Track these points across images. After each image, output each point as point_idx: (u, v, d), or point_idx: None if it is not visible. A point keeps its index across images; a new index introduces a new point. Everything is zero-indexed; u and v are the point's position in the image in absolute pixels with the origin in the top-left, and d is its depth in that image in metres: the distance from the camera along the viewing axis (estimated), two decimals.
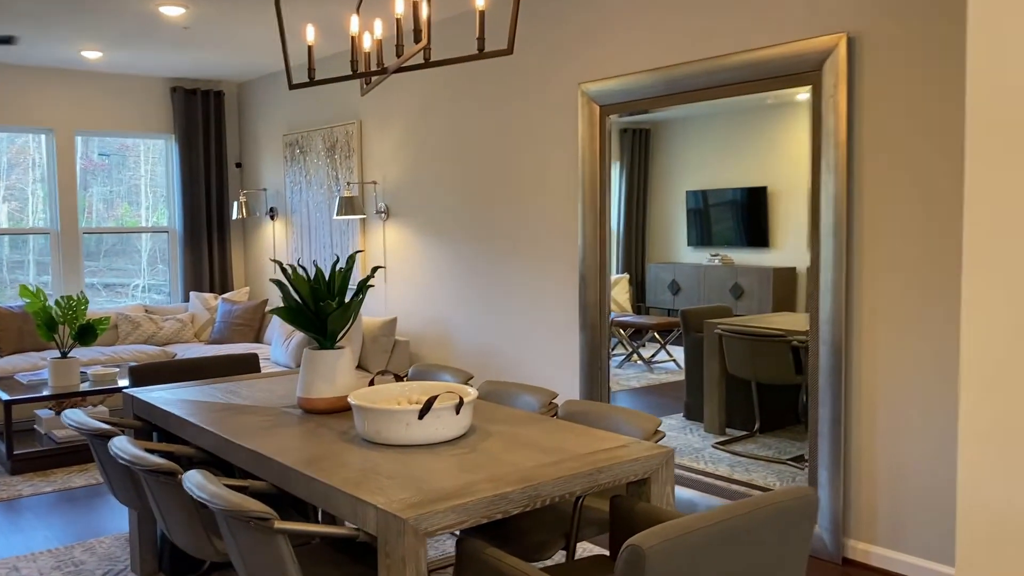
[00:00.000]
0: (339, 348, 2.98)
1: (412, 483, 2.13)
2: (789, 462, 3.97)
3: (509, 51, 2.44)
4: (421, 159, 5.79)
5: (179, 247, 7.73)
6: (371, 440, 2.54)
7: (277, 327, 6.10)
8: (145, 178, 7.80)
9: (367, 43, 2.90)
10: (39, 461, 5.01)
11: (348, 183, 6.24)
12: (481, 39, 2.45)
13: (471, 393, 2.64)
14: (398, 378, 3.07)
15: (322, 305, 2.89)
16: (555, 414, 3.05)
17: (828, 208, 3.51)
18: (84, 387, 5.30)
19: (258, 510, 1.95)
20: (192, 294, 7.48)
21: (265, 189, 7.67)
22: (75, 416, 2.89)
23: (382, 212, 6.15)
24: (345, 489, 2.09)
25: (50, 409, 5.53)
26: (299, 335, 5.76)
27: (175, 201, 7.73)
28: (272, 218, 7.55)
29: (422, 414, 2.46)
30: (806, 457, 3.78)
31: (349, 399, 2.62)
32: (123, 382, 5.47)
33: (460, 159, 5.47)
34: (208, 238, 7.79)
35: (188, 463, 2.92)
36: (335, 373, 2.96)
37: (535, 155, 4.94)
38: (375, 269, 3.06)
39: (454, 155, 5.51)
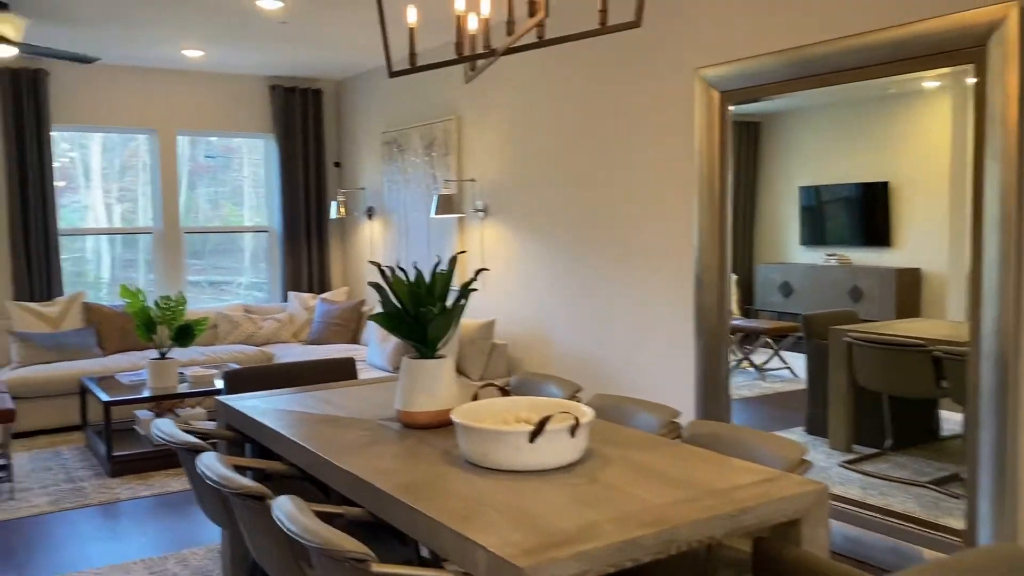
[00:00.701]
0: (440, 357, 2.73)
1: (525, 520, 1.85)
2: (929, 485, 3.54)
3: (637, 23, 2.13)
4: (521, 154, 5.53)
5: (279, 247, 7.70)
6: (476, 463, 2.27)
7: (374, 328, 5.94)
8: (248, 179, 7.80)
9: (472, 24, 2.64)
10: (138, 463, 4.97)
11: (446, 181, 6.03)
12: (604, 11, 2.15)
13: (587, 413, 2.34)
14: (503, 392, 2.80)
15: (423, 311, 2.64)
16: (678, 436, 2.72)
17: (993, 201, 3.06)
18: (182, 388, 5.25)
19: (355, 550, 1.70)
20: (291, 294, 7.42)
21: (363, 188, 7.55)
22: (165, 428, 2.73)
23: (480, 210, 5.91)
24: (451, 525, 1.82)
25: (149, 410, 5.51)
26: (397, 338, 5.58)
27: (275, 201, 7.69)
28: (370, 217, 7.42)
29: (533, 436, 2.18)
30: (952, 478, 3.34)
31: (452, 416, 2.36)
32: (219, 381, 5.40)
33: (563, 153, 5.17)
34: (307, 238, 7.73)
35: (281, 481, 2.72)
36: (436, 384, 2.71)
37: (646, 147, 4.60)
38: (478, 272, 2.79)
39: (556, 149, 5.22)
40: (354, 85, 7.63)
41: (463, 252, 2.56)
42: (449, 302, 2.72)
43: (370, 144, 7.42)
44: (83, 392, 5.73)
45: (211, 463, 2.33)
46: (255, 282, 7.85)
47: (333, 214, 7.46)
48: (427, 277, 2.73)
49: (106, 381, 5.51)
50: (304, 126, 7.67)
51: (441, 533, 1.85)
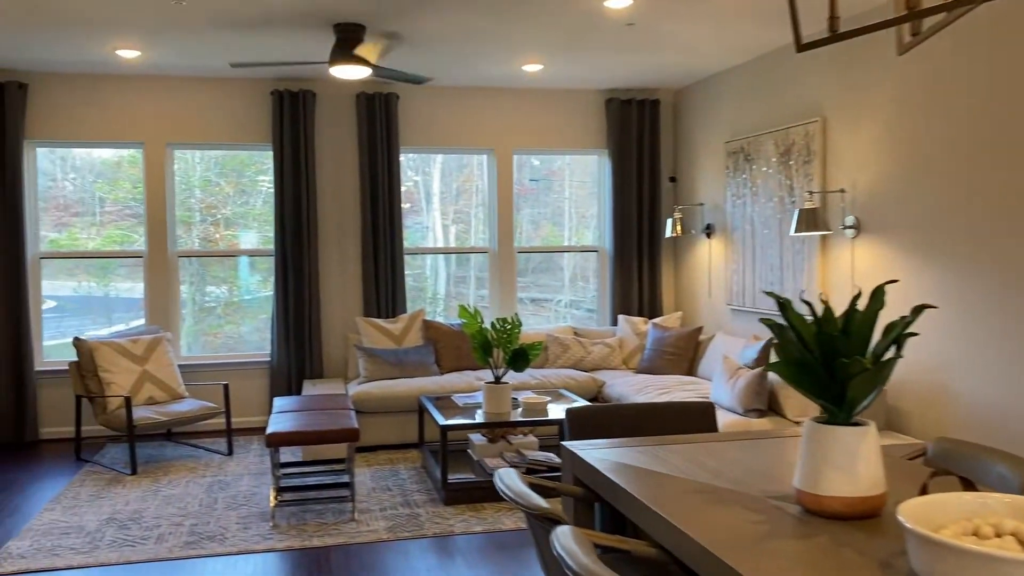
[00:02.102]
0: (860, 424, 2.03)
1: None
2: None
3: None
4: (907, 157, 4.57)
5: (608, 267, 7.32)
6: None
7: (719, 360, 5.28)
8: (569, 200, 7.56)
9: None
10: (471, 492, 4.76)
11: (808, 193, 5.21)
12: None
13: None
14: (967, 484, 2.02)
15: (844, 362, 1.95)
16: None
17: None
18: (516, 415, 4.98)
19: None
20: (620, 317, 7.00)
21: (702, 204, 6.93)
22: (510, 483, 2.31)
23: (850, 227, 5.02)
24: None
25: (483, 435, 5.32)
26: (750, 373, 4.86)
27: (605, 219, 7.34)
28: (708, 236, 6.78)
29: None
30: None
31: (899, 518, 1.65)
32: (552, 409, 5.06)
33: (969, 154, 4.15)
34: (638, 258, 7.27)
35: (648, 568, 2.18)
36: (856, 461, 2.01)
37: None
38: (919, 309, 2.04)
39: (959, 149, 4.21)
40: (694, 92, 7.05)
41: (893, 281, 1.90)
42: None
43: (711, 156, 6.79)
44: (421, 410, 5.72)
45: (570, 547, 1.84)
46: (574, 299, 7.57)
47: (668, 232, 6.92)
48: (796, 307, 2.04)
49: (442, 401, 5.43)
50: (639, 140, 7.24)
51: None
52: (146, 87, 6.55)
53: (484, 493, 4.76)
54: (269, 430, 4.48)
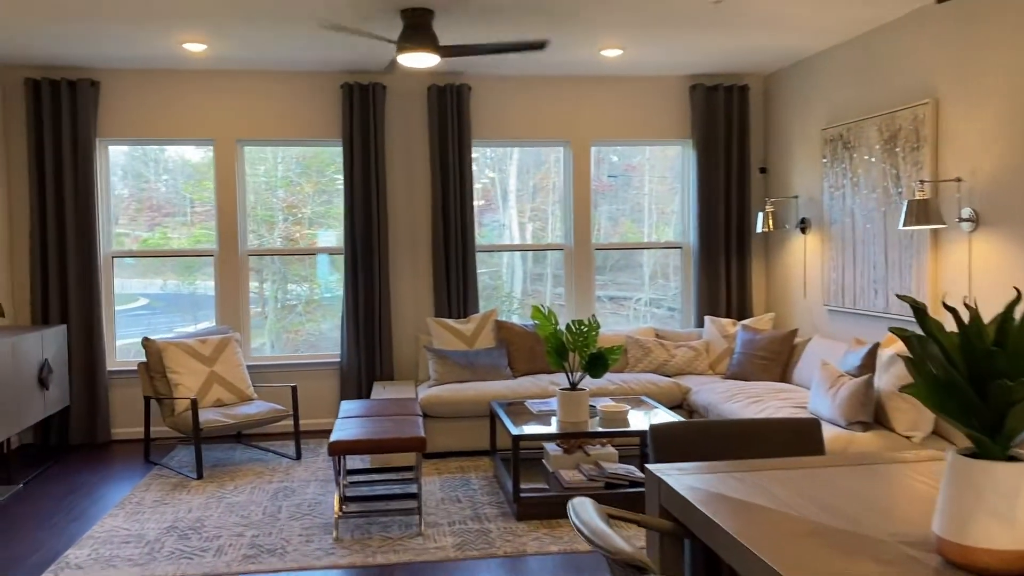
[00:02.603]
0: (1020, 460, 1.63)
1: None
2: None
3: None
4: None
5: (693, 265, 6.90)
6: None
7: (816, 366, 4.83)
8: (649, 196, 7.17)
9: None
10: (545, 507, 4.44)
11: (920, 182, 4.71)
12: None
13: None
14: None
15: (1006, 385, 1.56)
16: None
17: None
18: (593, 424, 4.64)
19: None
20: (707, 319, 6.57)
21: (796, 196, 6.45)
22: (587, 520, 1.97)
23: (967, 220, 4.50)
24: None
25: (558, 446, 5.00)
26: (854, 382, 4.40)
27: (690, 214, 6.92)
28: (803, 231, 6.29)
29: None
30: None
31: None
32: (633, 418, 4.70)
33: None
34: (725, 255, 6.83)
35: None
36: (1016, 505, 1.61)
37: None
38: None
39: None
40: (787, 76, 6.56)
41: None
42: None
43: (806, 144, 6.30)
44: (492, 416, 5.43)
45: None
46: (654, 298, 7.18)
47: (759, 227, 6.46)
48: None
49: (515, 407, 5.12)
50: (727, 128, 6.79)
51: None
52: (215, 83, 6.44)
53: (559, 508, 4.43)
54: (332, 438, 4.25)
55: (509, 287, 7.11)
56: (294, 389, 5.80)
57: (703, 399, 5.55)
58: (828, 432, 4.32)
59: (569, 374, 4.74)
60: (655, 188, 7.20)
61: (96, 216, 6.22)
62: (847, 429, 4.36)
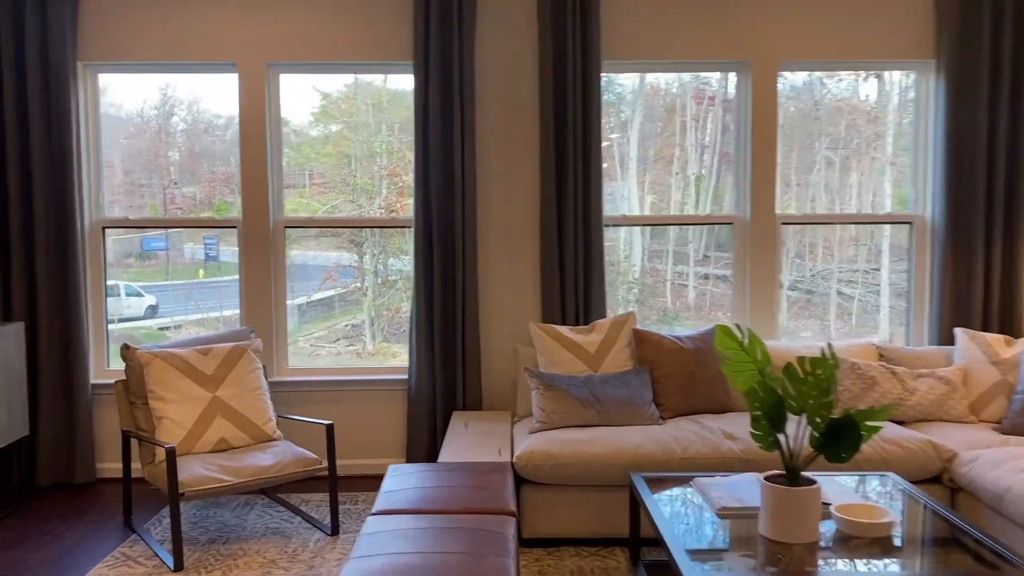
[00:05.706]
0: None
1: None
2: None
3: None
4: None
5: (932, 250, 4.63)
6: None
7: None
8: (857, 148, 4.93)
9: None
10: None
11: None
12: None
13: None
14: None
15: None
16: None
17: None
18: (824, 535, 2.51)
19: None
20: (958, 332, 4.29)
21: None
22: None
23: None
24: None
25: None
26: None
27: (928, 173, 4.62)
28: None
29: None
30: None
31: None
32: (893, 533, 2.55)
33: None
34: (985, 237, 4.55)
35: None
36: None
37: None
38: None
39: None
40: None
41: None
42: None
43: None
44: (632, 490, 3.34)
45: None
46: (864, 296, 4.99)
47: None
48: None
49: (669, 485, 3.04)
50: (993, 48, 4.44)
51: None
52: None
53: None
54: (347, 571, 2.28)
55: (628, 275, 5.01)
56: (329, 430, 3.86)
57: (986, 476, 3.31)
58: None
59: (787, 455, 2.59)
60: (861, 135, 4.91)
61: (75, 170, 4.45)
62: None
